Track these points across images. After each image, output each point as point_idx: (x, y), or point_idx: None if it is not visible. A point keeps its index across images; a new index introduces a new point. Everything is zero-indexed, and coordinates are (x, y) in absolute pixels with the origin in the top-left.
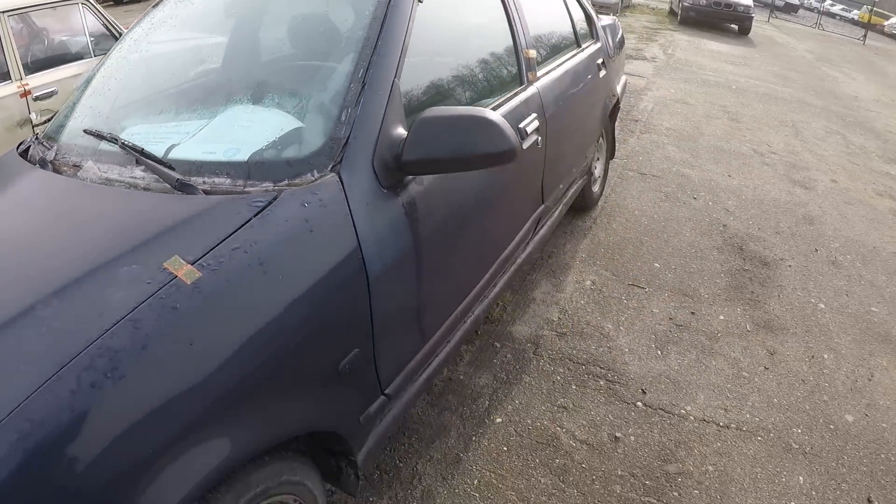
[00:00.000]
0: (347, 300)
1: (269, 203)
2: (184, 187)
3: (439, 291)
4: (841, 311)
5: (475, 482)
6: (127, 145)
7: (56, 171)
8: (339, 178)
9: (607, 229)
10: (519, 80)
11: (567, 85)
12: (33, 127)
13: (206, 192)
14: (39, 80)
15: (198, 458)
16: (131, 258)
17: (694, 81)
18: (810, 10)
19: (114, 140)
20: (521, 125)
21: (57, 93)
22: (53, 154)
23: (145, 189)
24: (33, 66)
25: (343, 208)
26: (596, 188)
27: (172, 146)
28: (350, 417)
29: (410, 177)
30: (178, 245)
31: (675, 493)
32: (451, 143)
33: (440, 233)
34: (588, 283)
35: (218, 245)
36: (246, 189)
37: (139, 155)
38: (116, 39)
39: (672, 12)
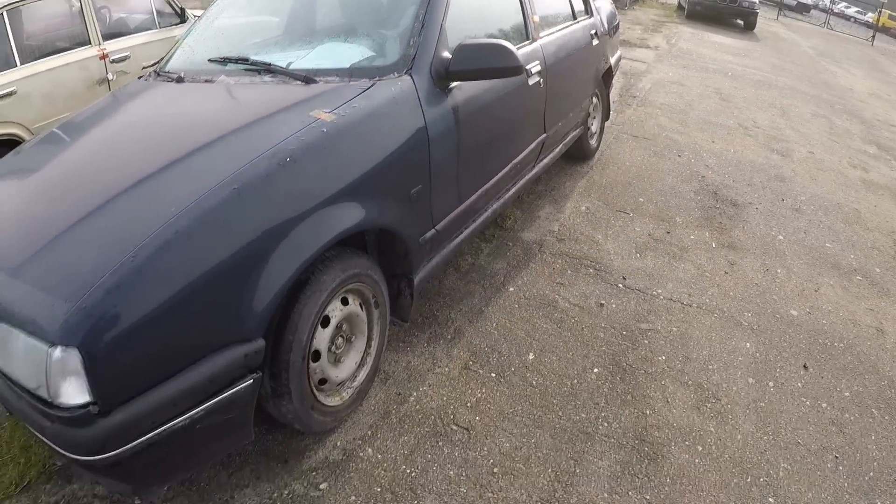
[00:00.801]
0: (416, 150)
1: (370, 87)
2: (308, 80)
3: (469, 166)
4: (798, 243)
5: (494, 325)
6: (257, 62)
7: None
8: (412, 77)
9: (602, 174)
10: (526, 36)
11: (563, 45)
12: (108, 84)
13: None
14: (115, 46)
15: (336, 218)
16: (287, 112)
17: (692, 68)
18: (825, 11)
19: (243, 60)
20: (528, 67)
21: (130, 57)
22: (183, 75)
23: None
24: (109, 34)
25: (414, 95)
26: (593, 142)
27: (289, 63)
28: (415, 233)
29: (454, 84)
30: (315, 105)
31: (646, 342)
32: (480, 59)
33: (471, 125)
34: (583, 208)
35: (342, 104)
36: (350, 82)
37: (268, 67)
38: (178, 14)
39: (680, 7)
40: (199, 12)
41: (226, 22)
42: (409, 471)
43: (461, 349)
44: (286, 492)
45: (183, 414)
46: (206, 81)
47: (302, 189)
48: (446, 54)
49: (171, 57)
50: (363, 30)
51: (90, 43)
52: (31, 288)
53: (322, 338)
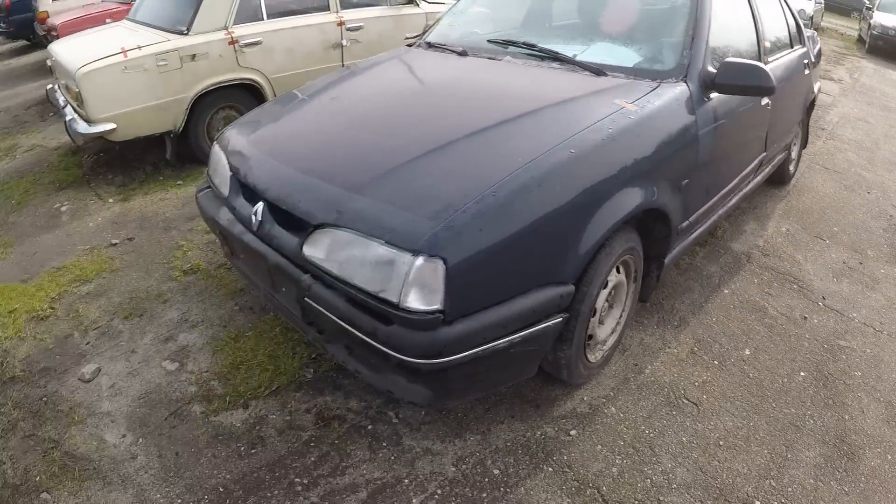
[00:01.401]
0: (689, 147)
1: (656, 87)
2: (599, 73)
3: (718, 169)
4: None
5: (713, 319)
6: (545, 49)
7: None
8: (686, 83)
9: (798, 199)
10: (759, 59)
11: (785, 71)
12: (342, 49)
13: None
14: (351, 16)
15: (637, 192)
16: (593, 97)
17: (876, 105)
18: None
19: (529, 46)
20: None
21: (363, 27)
22: (465, 50)
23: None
24: (346, 4)
25: (689, 99)
26: (791, 167)
27: (575, 55)
28: (678, 220)
29: (714, 94)
30: (616, 95)
31: (843, 356)
32: (742, 76)
33: (723, 133)
34: (784, 229)
35: (640, 97)
36: (636, 80)
37: (556, 55)
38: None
39: (860, 39)
40: None
41: (480, 9)
42: (647, 431)
43: (687, 336)
44: (538, 433)
45: (506, 336)
46: (490, 59)
47: (617, 162)
48: (710, 67)
49: (432, 32)
50: (639, 35)
51: (330, 10)
52: (384, 205)
53: (601, 297)
